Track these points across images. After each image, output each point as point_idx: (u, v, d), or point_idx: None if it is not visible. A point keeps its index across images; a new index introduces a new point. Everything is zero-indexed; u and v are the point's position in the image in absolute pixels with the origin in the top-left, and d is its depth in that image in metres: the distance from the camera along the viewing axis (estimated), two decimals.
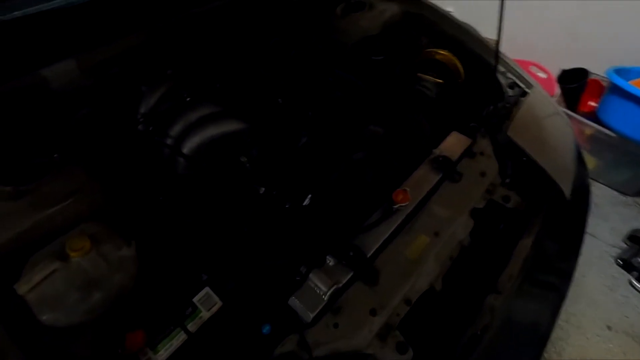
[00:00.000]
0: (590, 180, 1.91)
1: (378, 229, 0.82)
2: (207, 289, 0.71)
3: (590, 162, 1.90)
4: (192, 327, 0.66)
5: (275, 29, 1.21)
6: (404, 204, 0.84)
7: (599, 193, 1.91)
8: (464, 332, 0.75)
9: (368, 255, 0.77)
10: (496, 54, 1.09)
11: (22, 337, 0.59)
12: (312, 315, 0.69)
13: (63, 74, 0.97)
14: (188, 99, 0.95)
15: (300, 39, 1.17)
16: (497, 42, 1.01)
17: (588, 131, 1.82)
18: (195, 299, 0.70)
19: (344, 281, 0.74)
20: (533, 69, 2.13)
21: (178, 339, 0.65)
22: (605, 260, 1.62)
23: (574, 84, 1.81)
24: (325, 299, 0.71)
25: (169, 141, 0.91)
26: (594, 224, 1.76)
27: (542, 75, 2.12)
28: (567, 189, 1.02)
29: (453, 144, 1.02)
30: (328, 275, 0.74)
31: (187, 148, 0.89)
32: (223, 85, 1.01)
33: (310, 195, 0.81)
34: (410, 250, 0.81)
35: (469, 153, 1.01)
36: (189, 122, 0.91)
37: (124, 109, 0.98)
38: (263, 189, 0.86)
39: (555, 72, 1.96)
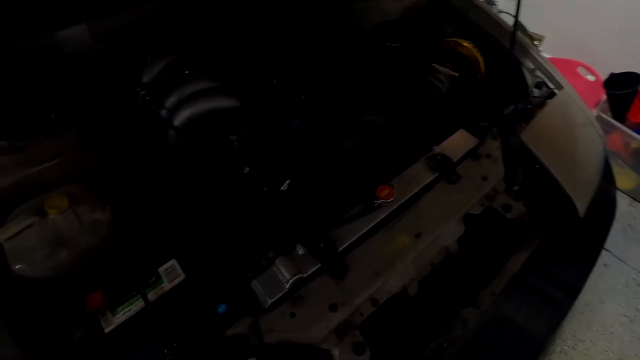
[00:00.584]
0: (628, 198, 1.74)
1: (355, 223, 0.78)
2: (173, 261, 0.72)
3: (632, 179, 1.70)
4: (152, 295, 0.67)
5: (289, 6, 1.17)
6: (387, 200, 0.79)
7: (638, 213, 1.71)
8: (430, 342, 0.71)
9: (340, 249, 0.74)
10: (512, 39, 0.97)
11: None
12: (270, 301, 0.68)
13: (75, 39, 1.00)
14: (187, 72, 0.95)
15: (310, 18, 1.12)
16: (514, 30, 0.90)
17: (634, 144, 1.62)
18: (160, 269, 0.71)
19: (309, 272, 0.72)
20: (581, 70, 1.93)
21: (137, 305, 0.66)
22: (631, 289, 1.46)
23: (624, 90, 1.61)
24: (286, 286, 0.69)
25: (163, 112, 0.91)
26: (625, 247, 1.59)
27: (590, 77, 1.91)
28: (582, 206, 0.92)
29: (457, 142, 0.95)
30: (294, 263, 0.72)
31: (177, 120, 0.89)
32: (223, 61, 0.99)
33: (288, 181, 0.79)
34: (386, 249, 0.76)
35: (473, 154, 0.94)
36: (183, 95, 0.91)
37: (129, 77, 1.00)
38: (247, 168, 0.85)
39: (604, 74, 1.75)
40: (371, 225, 0.78)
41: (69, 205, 0.70)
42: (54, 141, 0.80)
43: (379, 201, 0.79)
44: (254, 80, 0.94)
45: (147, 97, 0.93)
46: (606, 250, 1.48)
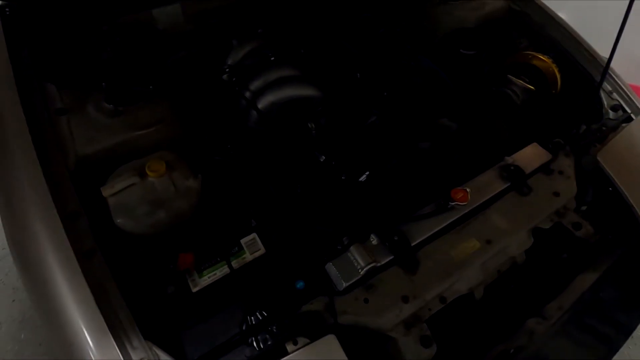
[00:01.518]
0: None
1: (429, 221, 0.80)
2: (254, 235, 0.76)
3: None
4: (235, 264, 0.72)
5: (367, 4, 1.20)
6: (461, 204, 0.81)
7: None
8: (495, 345, 0.72)
9: (412, 244, 0.76)
10: (605, 69, 0.97)
11: (100, 229, 0.68)
12: (345, 285, 0.71)
13: (169, 16, 1.07)
14: (272, 59, 0.99)
15: (391, 19, 1.14)
16: (610, 57, 0.90)
17: None
18: (242, 240, 0.75)
19: (383, 262, 0.74)
20: None
21: (221, 271, 0.71)
22: None
23: None
24: (361, 273, 0.72)
25: (247, 94, 0.96)
26: None
27: None
28: None
29: (530, 155, 0.95)
30: (368, 252, 0.74)
31: (261, 103, 0.93)
32: (307, 51, 1.03)
33: (367, 173, 0.82)
34: (457, 251, 0.78)
35: (545, 169, 0.94)
36: (268, 80, 0.95)
37: (215, 57, 1.05)
38: (323, 157, 0.89)
39: None
40: (443, 225, 0.80)
41: (166, 170, 0.75)
42: (152, 109, 0.86)
43: (453, 203, 0.81)
44: (337, 72, 0.97)
45: (234, 79, 0.98)
46: None
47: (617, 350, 0.81)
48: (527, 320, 0.75)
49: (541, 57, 1.12)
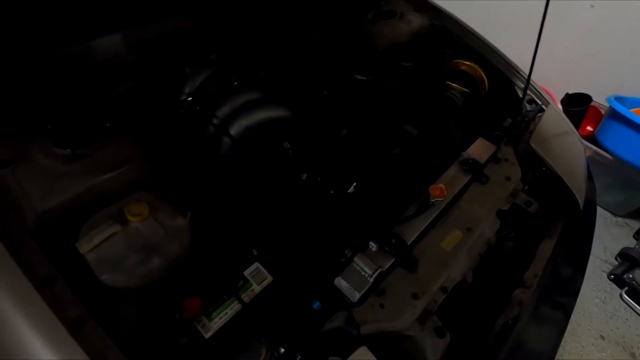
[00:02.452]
0: None
1: (416, 220, 0.86)
2: (257, 264, 0.73)
3: None
4: (245, 298, 0.68)
5: (310, 26, 1.25)
6: (440, 199, 0.89)
7: None
8: (496, 321, 0.79)
9: (408, 243, 0.81)
10: (529, 76, 1.16)
11: (81, 293, 0.59)
12: (358, 295, 0.72)
13: (109, 47, 0.98)
14: (236, 83, 0.97)
15: (338, 37, 1.21)
16: (531, 67, 1.08)
17: (588, 152, 1.93)
18: (246, 272, 0.71)
19: (387, 266, 0.77)
20: None
21: (232, 309, 0.66)
22: (598, 275, 1.71)
23: (578, 107, 1.93)
24: (371, 280, 0.74)
25: (215, 121, 0.92)
26: None
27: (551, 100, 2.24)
28: (581, 200, 1.09)
29: (480, 149, 1.08)
30: (372, 259, 0.77)
31: (234, 130, 0.91)
32: (268, 73, 1.03)
33: (355, 184, 0.85)
34: (446, 242, 0.85)
35: (494, 158, 1.07)
36: (237, 105, 0.93)
37: (167, 86, 1.00)
38: (305, 175, 0.89)
39: (558, 96, 2.08)
40: (429, 221, 0.87)
41: (150, 212, 0.69)
42: (116, 149, 0.78)
43: (434, 199, 0.88)
44: (304, 92, 1.00)
45: (197, 107, 0.94)
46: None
47: (578, 294, 0.96)
48: (514, 292, 0.84)
49: (468, 63, 1.29)
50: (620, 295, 1.63)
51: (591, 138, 1.98)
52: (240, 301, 0.67)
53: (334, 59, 1.11)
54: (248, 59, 1.06)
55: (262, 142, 0.92)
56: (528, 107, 1.31)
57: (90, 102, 0.85)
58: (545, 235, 0.98)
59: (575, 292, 0.97)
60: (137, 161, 0.78)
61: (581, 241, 1.08)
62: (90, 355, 0.52)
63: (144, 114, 0.95)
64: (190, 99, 0.94)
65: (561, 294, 0.91)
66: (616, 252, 1.79)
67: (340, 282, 0.74)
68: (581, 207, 1.08)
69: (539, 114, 1.27)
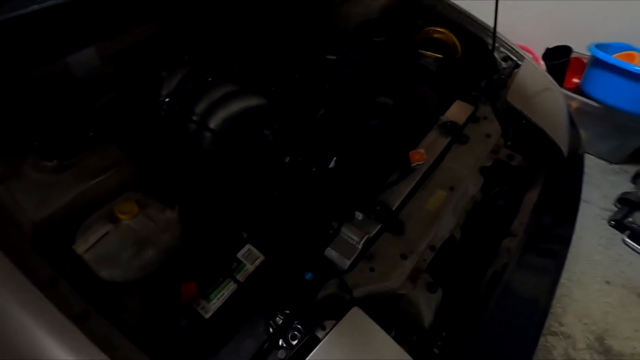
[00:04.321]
0: None
1: (399, 185, 0.88)
2: (248, 246, 0.76)
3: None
4: (240, 278, 0.71)
5: (278, 15, 1.27)
6: (420, 162, 0.91)
7: (589, 163, 2.02)
8: (486, 271, 0.82)
9: (393, 209, 0.84)
10: (494, 33, 1.17)
11: (84, 290, 0.63)
12: (348, 262, 0.75)
13: (84, 62, 1.01)
14: (210, 79, 1.00)
15: (307, 22, 1.23)
16: (494, 24, 1.09)
17: (575, 104, 1.93)
18: (239, 255, 0.75)
19: (374, 232, 0.80)
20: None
21: (228, 289, 0.70)
22: (599, 223, 1.72)
23: (559, 60, 1.93)
24: (359, 247, 0.77)
25: (195, 118, 0.95)
26: (586, 191, 1.85)
27: (528, 55, 2.23)
28: (565, 148, 1.11)
29: (458, 111, 1.10)
30: (359, 227, 0.80)
31: (213, 123, 0.93)
32: (240, 66, 1.06)
33: (335, 158, 0.87)
34: (430, 203, 0.87)
35: (473, 118, 1.09)
36: (213, 99, 0.96)
37: (147, 92, 1.03)
38: (288, 157, 0.92)
39: (539, 52, 2.07)
40: (412, 185, 0.89)
41: (138, 209, 0.72)
42: (101, 155, 0.81)
43: (414, 164, 0.90)
44: (277, 78, 1.02)
45: (176, 107, 0.97)
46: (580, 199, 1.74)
47: (570, 242, 0.98)
48: (502, 241, 0.87)
49: (440, 30, 1.30)
50: (623, 240, 1.64)
51: (578, 89, 1.97)
52: (236, 281, 0.70)
53: (304, 43, 1.13)
54: (219, 55, 1.09)
55: (242, 132, 0.95)
56: (504, 64, 1.32)
57: (72, 117, 0.88)
58: (530, 185, 1.00)
59: (566, 240, 0.99)
60: (123, 164, 0.81)
61: (568, 189, 1.09)
62: (97, 344, 0.55)
63: (127, 121, 0.98)
64: (167, 99, 0.97)
65: (550, 241, 0.93)
66: (615, 199, 1.80)
67: (330, 252, 0.77)
68: (565, 154, 1.10)
69: (515, 70, 1.28)
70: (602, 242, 1.64)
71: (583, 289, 1.48)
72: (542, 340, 1.32)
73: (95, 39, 1.01)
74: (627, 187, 1.86)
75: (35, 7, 1.01)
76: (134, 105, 1.01)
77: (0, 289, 0.58)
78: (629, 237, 1.63)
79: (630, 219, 1.64)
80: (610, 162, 2.02)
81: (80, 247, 0.66)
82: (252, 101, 0.97)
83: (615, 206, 1.78)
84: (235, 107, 0.95)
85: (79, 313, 0.58)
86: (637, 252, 1.60)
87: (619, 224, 1.67)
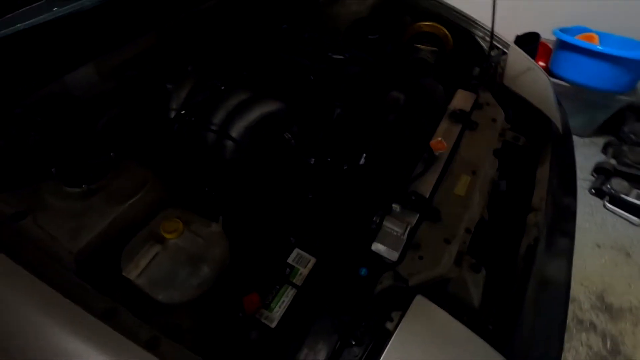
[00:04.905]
0: None
1: (426, 175, 0.91)
2: (297, 250, 0.76)
3: None
4: (297, 282, 0.71)
5: (272, 18, 1.27)
6: (442, 151, 0.94)
7: None
8: (519, 246, 0.87)
9: (427, 197, 0.86)
10: (492, 33, 1.24)
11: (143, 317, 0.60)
12: (397, 254, 0.76)
13: (83, 80, 0.96)
14: (223, 88, 0.98)
15: (304, 24, 1.23)
16: (492, 23, 1.15)
17: None
18: (289, 260, 0.74)
19: (414, 221, 0.82)
20: None
21: (288, 295, 0.69)
22: (581, 192, 1.87)
23: (529, 46, 2.06)
24: (404, 238, 0.78)
25: (214, 128, 0.93)
26: None
27: None
28: (559, 125, 1.19)
29: (462, 99, 1.15)
30: (399, 219, 0.81)
31: (234, 132, 0.92)
32: (249, 72, 1.04)
33: (364, 155, 0.89)
34: (458, 188, 0.91)
35: (477, 105, 1.15)
36: (230, 108, 0.94)
37: (152, 106, 0.99)
38: (313, 159, 0.92)
39: (509, 38, 2.21)
40: (438, 173, 0.92)
41: (183, 226, 0.69)
42: (128, 176, 0.77)
43: (437, 153, 0.94)
44: (291, 81, 1.02)
45: (192, 118, 0.94)
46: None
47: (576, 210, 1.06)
48: (527, 216, 0.92)
49: (430, 23, 1.35)
50: (604, 205, 1.78)
51: (547, 71, 2.12)
52: (294, 286, 0.70)
53: (310, 45, 1.13)
54: (226, 62, 1.07)
55: (263, 139, 0.94)
56: (492, 52, 1.39)
57: (82, 138, 0.83)
58: (538, 162, 1.07)
59: (573, 212, 1.07)
60: (152, 183, 0.78)
61: (568, 162, 1.18)
62: None
63: (142, 137, 0.93)
64: (183, 112, 0.93)
65: (564, 215, 1.00)
66: (591, 169, 1.95)
67: (378, 246, 0.78)
68: (560, 131, 1.18)
69: (503, 57, 1.36)
70: (588, 210, 1.78)
71: (578, 254, 1.59)
72: None
73: (88, 57, 0.96)
74: (599, 157, 2.02)
75: (20, 26, 0.95)
76: (143, 120, 0.96)
77: (59, 326, 0.53)
78: (609, 202, 1.77)
79: (608, 186, 1.79)
80: (581, 136, 2.19)
81: (132, 272, 0.63)
82: (270, 106, 0.97)
83: (593, 176, 1.93)
84: (254, 114, 0.94)
85: (148, 340, 0.55)
86: (618, 215, 1.75)
87: (598, 191, 1.82)
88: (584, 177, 1.94)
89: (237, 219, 0.79)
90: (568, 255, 0.95)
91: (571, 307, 1.43)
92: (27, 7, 1.01)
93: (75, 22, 0.99)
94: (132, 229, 0.71)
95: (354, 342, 0.65)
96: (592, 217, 1.76)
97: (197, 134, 0.94)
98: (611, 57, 1.79)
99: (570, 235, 1.00)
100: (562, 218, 1.01)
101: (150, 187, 0.77)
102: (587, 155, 2.07)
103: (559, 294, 0.87)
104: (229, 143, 0.92)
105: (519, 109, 1.19)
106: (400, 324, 0.64)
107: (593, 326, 1.38)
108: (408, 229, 0.79)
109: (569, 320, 1.39)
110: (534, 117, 1.17)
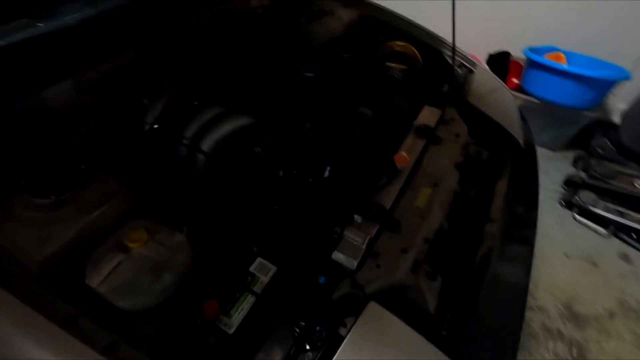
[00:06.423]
0: None
1: (389, 187, 0.96)
2: (259, 259, 0.79)
3: None
4: (257, 289, 0.74)
5: (249, 37, 1.32)
6: (405, 164, 0.99)
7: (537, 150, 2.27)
8: (475, 255, 0.91)
9: (388, 209, 0.91)
10: (453, 47, 1.31)
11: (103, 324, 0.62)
12: (356, 262, 0.80)
13: (60, 94, 0.99)
14: (196, 103, 1.02)
15: (279, 42, 1.29)
16: (453, 37, 1.23)
17: (518, 102, 2.16)
18: (251, 268, 0.77)
19: (374, 232, 0.86)
20: None
21: (248, 302, 0.72)
22: (551, 204, 1.94)
23: (500, 64, 2.16)
24: (363, 247, 0.82)
25: (186, 142, 0.96)
26: None
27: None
28: (521, 140, 1.26)
29: (428, 115, 1.21)
30: (360, 229, 0.85)
31: (205, 146, 0.95)
32: (224, 88, 1.09)
33: (329, 168, 0.93)
34: (419, 200, 0.95)
35: (442, 121, 1.21)
36: (202, 123, 0.98)
37: (129, 120, 1.02)
38: (281, 172, 0.96)
39: (483, 58, 2.31)
40: (400, 186, 0.97)
41: (148, 235, 0.72)
42: (98, 187, 0.80)
43: (400, 166, 0.99)
44: (262, 97, 1.06)
45: (164, 132, 0.97)
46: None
47: (536, 221, 1.11)
48: (485, 226, 0.97)
49: (401, 43, 1.43)
50: (573, 217, 1.85)
51: (519, 89, 2.22)
52: (253, 293, 0.73)
53: (282, 63, 1.19)
54: (201, 79, 1.11)
55: (234, 152, 0.98)
56: (460, 71, 1.47)
57: (55, 151, 0.86)
58: (499, 175, 1.13)
59: (533, 222, 1.12)
60: (121, 194, 0.81)
61: (529, 175, 1.24)
62: None
63: (116, 150, 0.97)
64: (156, 126, 0.97)
65: (522, 225, 1.05)
66: (562, 182, 2.03)
67: (338, 255, 0.82)
68: (522, 146, 1.24)
69: (470, 75, 1.43)
70: (557, 220, 1.85)
71: (547, 264, 1.65)
72: None
73: (67, 73, 1.00)
74: (570, 170, 2.10)
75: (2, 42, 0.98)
76: (119, 134, 1.00)
77: (17, 332, 0.56)
78: (578, 214, 1.84)
79: (577, 198, 1.86)
80: (553, 150, 2.28)
81: (94, 280, 0.65)
82: (241, 121, 1.01)
83: (563, 188, 2.01)
84: (225, 128, 0.98)
85: (106, 346, 0.57)
86: (586, 226, 1.81)
87: (568, 203, 1.89)
88: (554, 190, 2.02)
89: (202, 229, 0.82)
90: (526, 262, 1.00)
91: (539, 316, 1.47)
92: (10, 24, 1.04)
93: (57, 39, 1.03)
94: (99, 238, 0.73)
95: (308, 347, 0.68)
96: (561, 227, 1.82)
97: (170, 147, 0.97)
98: (576, 76, 1.89)
99: (530, 244, 1.06)
100: (520, 228, 1.06)
101: (119, 199, 0.80)
102: (558, 168, 2.15)
103: (514, 301, 0.91)
104: (200, 156, 0.95)
105: (483, 124, 1.26)
106: (352, 330, 0.67)
107: (560, 334, 1.42)
108: (367, 239, 0.84)
109: (536, 328, 1.43)
110: (496, 132, 1.24)
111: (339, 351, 0.64)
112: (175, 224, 0.79)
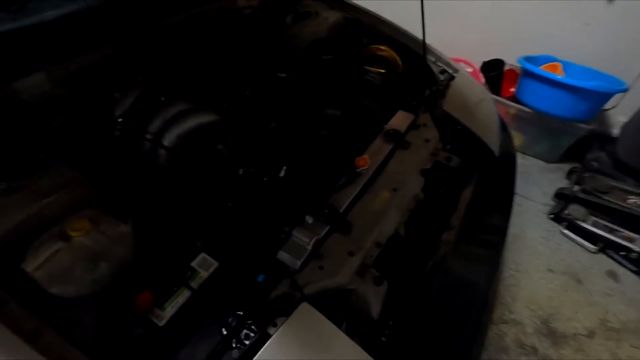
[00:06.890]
0: (519, 153, 2.24)
1: (346, 189, 0.95)
2: (202, 254, 0.79)
3: (518, 138, 2.20)
4: (194, 285, 0.74)
5: (233, 37, 1.34)
6: (365, 168, 0.99)
7: (528, 163, 2.22)
8: (427, 262, 0.90)
9: (341, 211, 0.90)
10: (424, 48, 1.30)
11: (35, 309, 0.64)
12: (299, 263, 0.80)
13: (34, 86, 1.02)
14: (163, 99, 1.04)
15: (258, 43, 1.31)
16: (423, 38, 1.22)
17: (512, 111, 2.12)
18: (193, 263, 0.78)
19: (323, 233, 0.86)
20: (461, 65, 2.45)
21: (183, 296, 0.72)
22: (540, 217, 1.89)
23: (494, 72, 2.12)
24: (309, 248, 0.82)
25: (149, 136, 0.98)
26: (527, 189, 2.04)
27: (469, 69, 2.44)
28: (495, 149, 1.23)
29: (400, 119, 1.20)
30: (309, 230, 0.85)
31: (167, 140, 0.97)
32: (193, 85, 1.11)
33: (285, 168, 0.93)
34: (375, 204, 0.95)
35: (413, 126, 1.20)
36: (167, 118, 0.99)
37: (100, 113, 1.05)
38: (241, 170, 0.97)
39: (478, 65, 2.27)
40: (358, 188, 0.96)
41: (91, 225, 0.74)
42: (53, 176, 0.82)
43: (359, 169, 0.98)
44: (228, 95, 1.07)
45: (130, 126, 0.99)
46: (515, 193, 1.89)
47: (506, 232, 1.08)
48: (442, 235, 0.95)
49: (382, 47, 1.42)
50: (561, 231, 1.80)
51: (514, 98, 2.17)
52: (190, 288, 0.73)
53: (255, 62, 1.20)
54: (173, 75, 1.13)
55: (196, 148, 0.99)
56: (441, 77, 1.45)
57: (18, 140, 0.89)
58: (466, 183, 1.11)
59: (502, 230, 1.10)
60: (75, 184, 0.83)
61: (501, 184, 1.21)
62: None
63: (81, 141, 0.99)
64: (120, 119, 0.99)
65: (486, 232, 1.03)
66: (552, 195, 1.98)
67: (283, 255, 0.82)
68: (496, 154, 1.22)
69: (450, 82, 1.41)
70: (544, 234, 1.80)
71: (529, 278, 1.61)
72: (494, 328, 1.42)
73: (43, 64, 1.03)
74: (563, 183, 2.05)
75: None
76: (88, 126, 1.02)
77: None
78: (566, 228, 1.79)
79: (567, 212, 1.81)
80: (547, 162, 2.22)
81: (30, 266, 0.67)
82: (205, 118, 1.02)
83: (553, 201, 1.96)
84: (188, 124, 0.99)
85: (30, 331, 0.59)
86: (574, 241, 1.76)
87: (557, 217, 1.84)
88: (545, 202, 1.97)
89: (150, 222, 0.83)
90: (488, 273, 0.98)
91: (514, 330, 1.43)
92: None
93: (36, 33, 1.06)
94: (46, 226, 0.75)
95: (237, 345, 0.68)
96: (547, 241, 1.77)
97: (134, 141, 0.99)
98: (571, 87, 1.84)
99: (495, 253, 1.03)
100: (484, 236, 1.03)
101: (71, 188, 0.81)
102: (551, 180, 2.10)
103: (468, 310, 0.89)
104: (162, 151, 0.97)
105: (456, 131, 1.24)
106: (280, 329, 0.67)
107: (534, 350, 1.38)
108: (314, 239, 0.83)
109: (510, 342, 1.39)
110: (469, 140, 1.22)
111: (262, 350, 0.64)
112: (125, 215, 0.80)
